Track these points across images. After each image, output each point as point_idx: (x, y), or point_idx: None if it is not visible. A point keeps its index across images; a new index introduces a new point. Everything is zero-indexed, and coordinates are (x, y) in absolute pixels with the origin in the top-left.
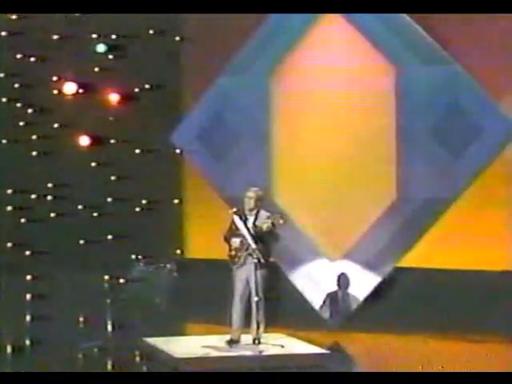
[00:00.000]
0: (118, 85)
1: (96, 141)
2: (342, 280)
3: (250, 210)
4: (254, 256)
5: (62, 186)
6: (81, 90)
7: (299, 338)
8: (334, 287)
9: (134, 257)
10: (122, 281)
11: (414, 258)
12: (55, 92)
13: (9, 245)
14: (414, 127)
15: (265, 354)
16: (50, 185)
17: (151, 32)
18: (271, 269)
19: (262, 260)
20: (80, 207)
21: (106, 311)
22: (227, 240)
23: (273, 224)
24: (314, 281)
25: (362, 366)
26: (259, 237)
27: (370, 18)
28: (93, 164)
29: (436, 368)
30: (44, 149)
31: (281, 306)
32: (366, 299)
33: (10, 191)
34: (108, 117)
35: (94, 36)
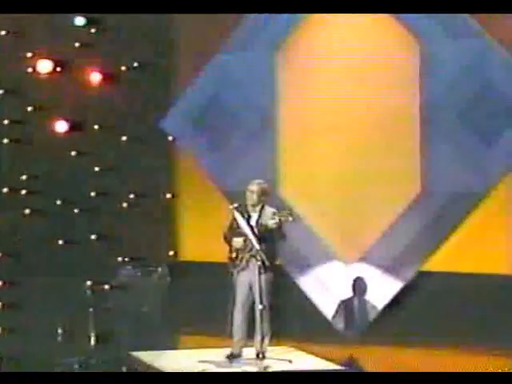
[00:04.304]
0: (100, 63)
1: (75, 127)
2: (358, 285)
3: (253, 205)
4: (258, 258)
5: (37, 179)
6: (58, 69)
7: (309, 351)
8: (348, 294)
9: (120, 259)
10: (106, 287)
11: (439, 261)
12: (29, 70)
13: None
14: (440, 111)
15: (270, 370)
16: (23, 177)
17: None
18: (277, 273)
19: (267, 263)
20: (58, 203)
21: (88, 322)
22: (227, 240)
23: (279, 221)
24: (325, 286)
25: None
26: (264, 236)
27: None
28: (72, 153)
29: None
30: (16, 136)
31: (288, 315)
32: (386, 307)
33: None
34: (89, 99)
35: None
